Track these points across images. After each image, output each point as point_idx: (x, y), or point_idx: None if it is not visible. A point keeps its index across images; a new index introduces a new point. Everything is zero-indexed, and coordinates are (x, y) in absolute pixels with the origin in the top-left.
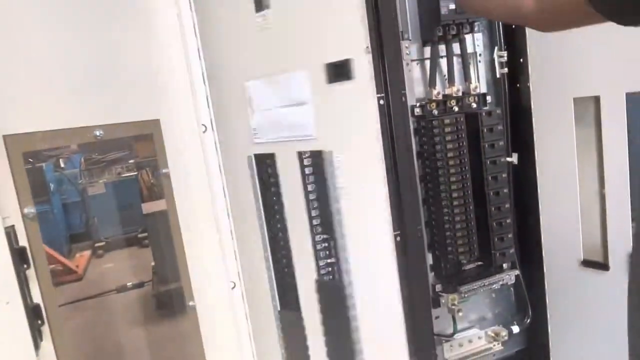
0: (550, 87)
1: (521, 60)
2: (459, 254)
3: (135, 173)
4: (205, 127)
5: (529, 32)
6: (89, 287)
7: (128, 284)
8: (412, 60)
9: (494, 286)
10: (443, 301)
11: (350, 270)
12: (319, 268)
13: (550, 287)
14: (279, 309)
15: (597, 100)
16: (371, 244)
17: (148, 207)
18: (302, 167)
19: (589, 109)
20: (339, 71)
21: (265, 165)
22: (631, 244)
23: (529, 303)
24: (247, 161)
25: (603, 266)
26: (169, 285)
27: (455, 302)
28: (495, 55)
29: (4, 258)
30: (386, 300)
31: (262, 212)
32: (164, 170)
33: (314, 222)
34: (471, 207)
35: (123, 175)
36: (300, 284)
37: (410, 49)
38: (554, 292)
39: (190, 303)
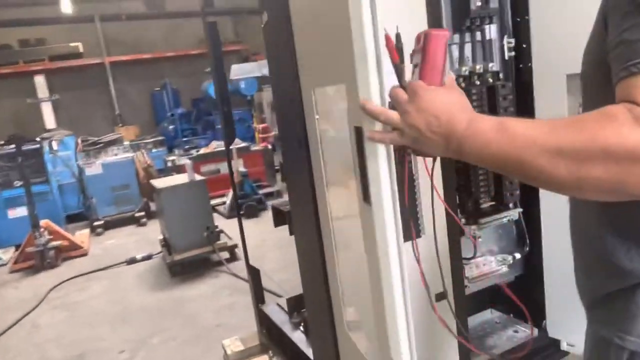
0: (548, 66)
1: (524, 45)
2: (480, 194)
3: (132, 154)
4: None
5: (532, 23)
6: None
7: (137, 256)
8: None
9: (503, 220)
10: (467, 231)
11: None
12: None
13: (544, 222)
14: None
15: None
16: None
17: (158, 184)
18: None
19: (577, 83)
20: None
21: None
22: None
23: (528, 235)
24: None
25: None
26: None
27: (476, 231)
28: (505, 42)
29: None
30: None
31: None
32: None
33: None
34: None
35: (119, 156)
36: None
37: None
38: (548, 226)
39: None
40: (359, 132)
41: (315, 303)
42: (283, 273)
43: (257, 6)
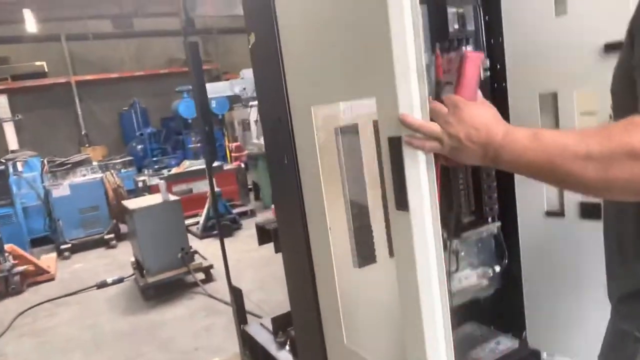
0: (521, 86)
1: (499, 66)
2: (461, 209)
3: (101, 175)
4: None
5: (506, 44)
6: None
7: (108, 280)
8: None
9: (483, 234)
10: (448, 245)
11: None
12: None
13: (522, 235)
14: None
15: (554, 95)
16: None
17: (131, 204)
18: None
19: (549, 102)
20: None
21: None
22: (579, 196)
23: (506, 248)
24: (334, 132)
25: (560, 214)
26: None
27: (458, 246)
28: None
29: None
30: None
31: (343, 160)
32: None
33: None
34: (469, 174)
35: (87, 177)
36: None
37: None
38: (525, 239)
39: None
40: (394, 142)
41: (305, 320)
42: (260, 293)
43: (225, 26)
